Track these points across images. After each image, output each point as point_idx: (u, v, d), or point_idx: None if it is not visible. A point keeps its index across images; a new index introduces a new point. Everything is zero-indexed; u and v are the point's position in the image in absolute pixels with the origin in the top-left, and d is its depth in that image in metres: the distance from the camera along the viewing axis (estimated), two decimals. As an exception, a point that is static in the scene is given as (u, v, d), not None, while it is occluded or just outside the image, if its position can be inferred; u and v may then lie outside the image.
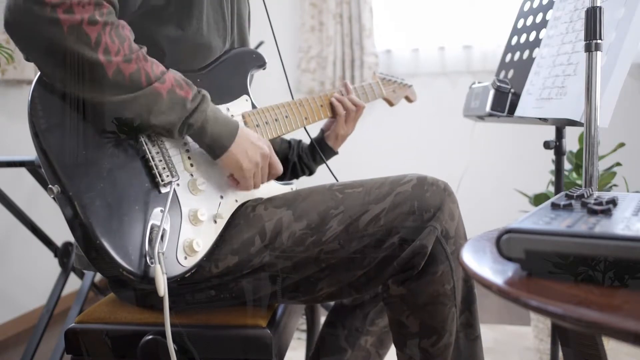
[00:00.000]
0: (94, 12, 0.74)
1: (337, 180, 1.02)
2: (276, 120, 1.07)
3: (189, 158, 0.90)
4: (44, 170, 0.79)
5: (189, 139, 0.90)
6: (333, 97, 1.19)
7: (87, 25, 0.73)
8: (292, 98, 1.14)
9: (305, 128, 1.17)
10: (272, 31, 1.18)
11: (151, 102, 0.80)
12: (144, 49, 0.82)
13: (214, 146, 0.88)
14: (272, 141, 1.24)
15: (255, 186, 0.94)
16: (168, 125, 0.82)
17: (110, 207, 0.79)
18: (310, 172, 1.28)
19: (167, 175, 0.85)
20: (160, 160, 0.85)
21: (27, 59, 0.80)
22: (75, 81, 0.77)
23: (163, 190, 0.85)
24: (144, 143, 0.85)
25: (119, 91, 0.78)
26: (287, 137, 1.26)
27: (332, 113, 1.20)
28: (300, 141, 1.30)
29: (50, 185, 0.77)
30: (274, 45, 1.20)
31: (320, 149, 1.24)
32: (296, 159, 1.27)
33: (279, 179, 1.26)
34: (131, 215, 0.80)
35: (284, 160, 1.27)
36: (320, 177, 1.27)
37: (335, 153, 1.26)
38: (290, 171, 1.28)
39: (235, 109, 1.01)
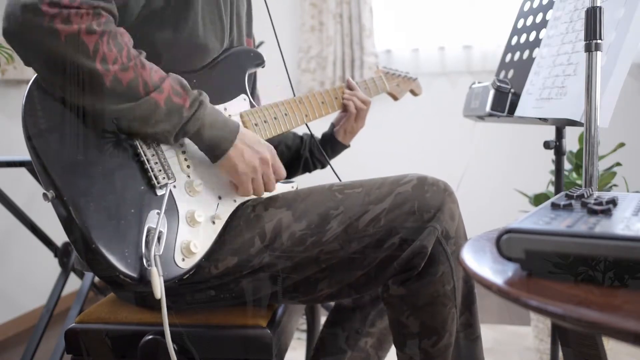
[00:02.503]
0: (92, 22, 0.75)
1: (340, 180, 1.02)
2: (275, 118, 1.06)
3: (186, 159, 0.90)
4: (38, 174, 0.79)
5: (186, 140, 0.90)
6: (344, 96, 1.21)
7: (84, 34, 0.74)
8: (294, 96, 1.14)
9: (307, 125, 1.17)
10: (274, 31, 1.18)
11: (148, 111, 0.80)
12: (143, 55, 0.82)
13: (211, 150, 0.88)
14: (285, 136, 1.25)
15: (256, 192, 0.93)
16: (164, 134, 0.83)
17: (105, 210, 0.78)
18: (323, 166, 1.31)
19: (163, 177, 0.85)
20: (156, 163, 0.85)
21: (27, 64, 0.80)
22: (74, 89, 0.77)
23: (159, 192, 0.84)
24: (139, 145, 0.84)
25: (116, 99, 0.78)
26: (298, 131, 1.27)
27: (343, 108, 1.23)
28: (312, 136, 1.31)
29: (44, 191, 0.77)
30: (275, 45, 1.20)
31: (332, 144, 1.27)
32: (308, 154, 1.29)
33: (290, 174, 1.28)
34: (127, 218, 0.80)
35: (297, 155, 1.29)
36: (322, 176, 1.27)
37: (347, 146, 1.30)
38: (303, 166, 1.30)
39: (232, 109, 1.01)
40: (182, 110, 0.83)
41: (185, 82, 0.85)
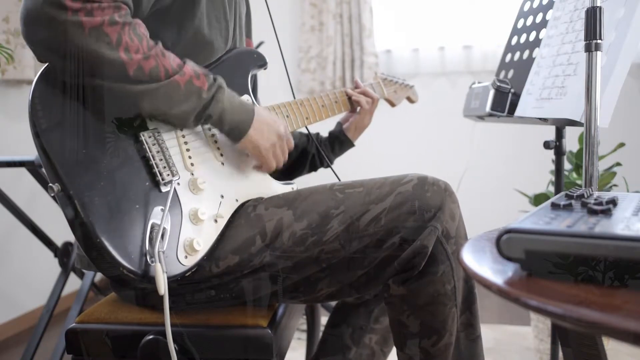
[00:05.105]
0: (113, 14, 0.77)
1: (339, 180, 1.02)
2: None
3: (190, 157, 0.90)
4: (44, 169, 0.80)
5: (188, 137, 0.91)
6: (355, 92, 1.27)
7: (107, 26, 0.76)
8: (294, 98, 1.15)
9: (306, 127, 1.18)
10: (274, 31, 1.18)
11: (170, 93, 0.82)
12: (160, 44, 0.84)
13: (233, 133, 0.92)
14: (291, 134, 1.28)
15: (278, 165, 0.99)
16: (183, 115, 0.85)
17: (110, 205, 0.79)
18: (329, 164, 1.33)
19: (168, 174, 0.85)
20: (161, 159, 0.86)
21: (42, 61, 0.80)
22: (95, 79, 0.78)
23: (163, 189, 0.85)
24: (144, 142, 0.85)
25: (138, 83, 0.80)
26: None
27: (351, 108, 1.28)
28: (317, 134, 1.34)
29: (50, 184, 0.78)
30: (275, 45, 1.20)
31: (340, 141, 1.32)
32: (315, 152, 1.31)
33: (297, 172, 1.31)
34: (132, 214, 0.80)
35: (304, 153, 1.31)
36: (322, 176, 1.27)
37: (353, 145, 1.34)
38: (310, 164, 1.32)
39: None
40: (200, 93, 0.85)
41: (199, 66, 0.88)
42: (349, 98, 1.27)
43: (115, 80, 0.78)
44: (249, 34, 1.17)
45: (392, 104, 1.41)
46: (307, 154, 1.31)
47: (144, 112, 0.84)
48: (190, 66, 0.86)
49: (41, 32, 0.75)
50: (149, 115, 0.86)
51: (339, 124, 1.34)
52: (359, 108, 1.29)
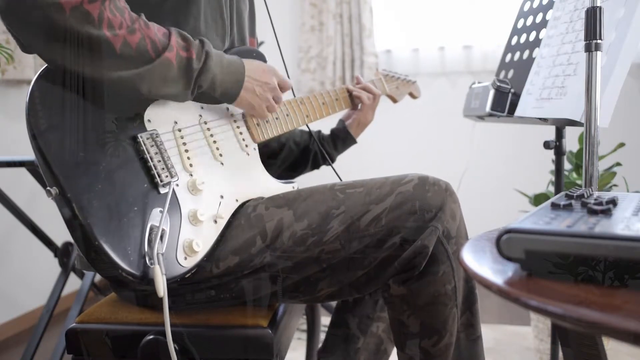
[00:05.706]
0: None
1: (341, 180, 1.02)
2: (277, 118, 1.07)
3: (189, 158, 0.90)
4: (42, 171, 0.79)
5: (187, 138, 0.90)
6: (356, 88, 1.27)
7: (87, 4, 0.74)
8: (294, 96, 1.15)
9: (307, 125, 1.18)
10: (273, 31, 1.18)
11: (164, 71, 0.82)
12: (142, 16, 0.82)
13: (225, 97, 0.94)
14: (292, 133, 1.29)
15: (271, 111, 1.02)
16: (180, 92, 0.85)
17: (109, 208, 0.78)
18: (332, 161, 1.34)
19: (166, 176, 0.85)
20: (159, 161, 0.85)
21: (26, 51, 0.79)
22: (83, 63, 0.77)
23: (162, 190, 0.85)
24: (142, 143, 0.85)
25: (128, 64, 0.78)
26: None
27: (352, 105, 1.29)
28: (319, 131, 1.34)
29: (48, 187, 0.77)
30: (275, 45, 1.20)
31: (343, 138, 1.32)
32: (317, 149, 1.31)
33: (300, 169, 1.31)
34: (130, 216, 0.80)
35: (306, 150, 1.31)
36: (322, 176, 1.28)
37: (355, 142, 1.34)
38: (312, 161, 1.32)
39: (235, 108, 1.02)
40: (191, 63, 0.84)
41: (184, 32, 0.87)
42: (350, 95, 1.27)
43: (104, 61, 0.77)
44: (252, 33, 1.16)
45: (394, 100, 1.41)
46: (309, 151, 1.31)
47: (143, 95, 0.83)
48: (175, 35, 0.84)
49: (21, 17, 0.73)
50: (147, 97, 0.85)
51: (342, 121, 1.33)
52: (360, 104, 1.29)
